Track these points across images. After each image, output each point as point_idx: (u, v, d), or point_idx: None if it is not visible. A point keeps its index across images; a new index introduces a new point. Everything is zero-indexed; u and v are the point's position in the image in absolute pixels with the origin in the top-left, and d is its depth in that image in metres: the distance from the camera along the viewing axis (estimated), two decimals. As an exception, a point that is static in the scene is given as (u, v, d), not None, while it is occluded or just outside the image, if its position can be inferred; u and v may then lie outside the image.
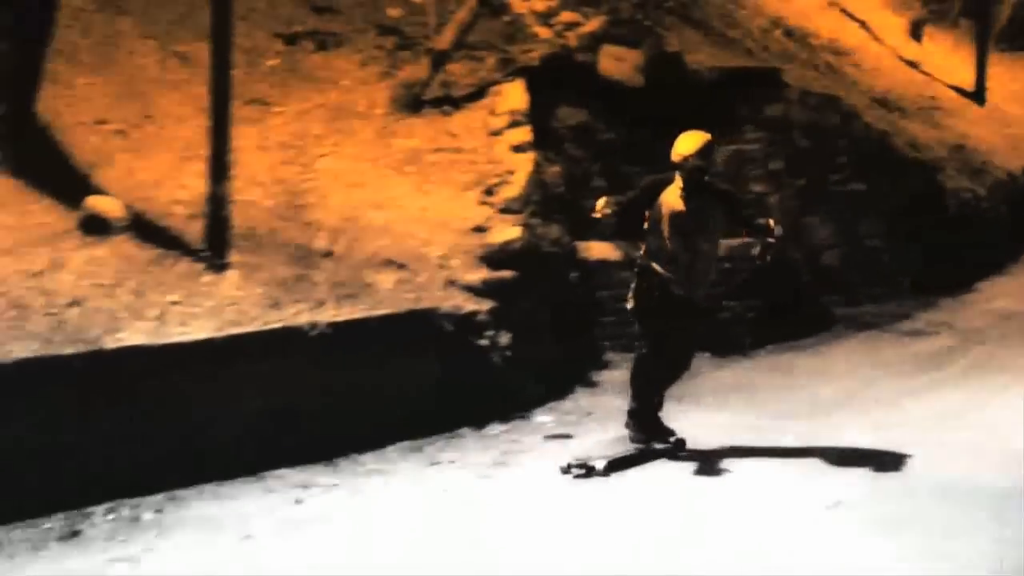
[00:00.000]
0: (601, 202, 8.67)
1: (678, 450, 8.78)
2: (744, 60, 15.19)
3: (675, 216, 8.52)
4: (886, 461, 8.50)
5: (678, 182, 8.54)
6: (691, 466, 8.51)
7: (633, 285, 8.80)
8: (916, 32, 21.05)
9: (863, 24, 20.09)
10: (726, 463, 8.53)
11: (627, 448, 8.76)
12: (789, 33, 17.90)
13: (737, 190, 9.41)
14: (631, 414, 8.85)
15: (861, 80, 17.85)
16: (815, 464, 8.51)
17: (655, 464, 8.51)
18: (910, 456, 8.59)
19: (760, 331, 12.62)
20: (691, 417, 9.63)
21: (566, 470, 8.30)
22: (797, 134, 14.53)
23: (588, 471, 8.28)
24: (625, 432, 8.88)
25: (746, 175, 13.83)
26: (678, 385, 9.12)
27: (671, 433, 8.85)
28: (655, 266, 8.61)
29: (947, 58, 21.09)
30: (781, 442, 9.04)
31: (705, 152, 8.47)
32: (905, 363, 12.02)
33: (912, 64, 19.95)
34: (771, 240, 8.73)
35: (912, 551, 6.77)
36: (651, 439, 8.78)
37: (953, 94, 19.78)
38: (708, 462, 8.56)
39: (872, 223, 15.03)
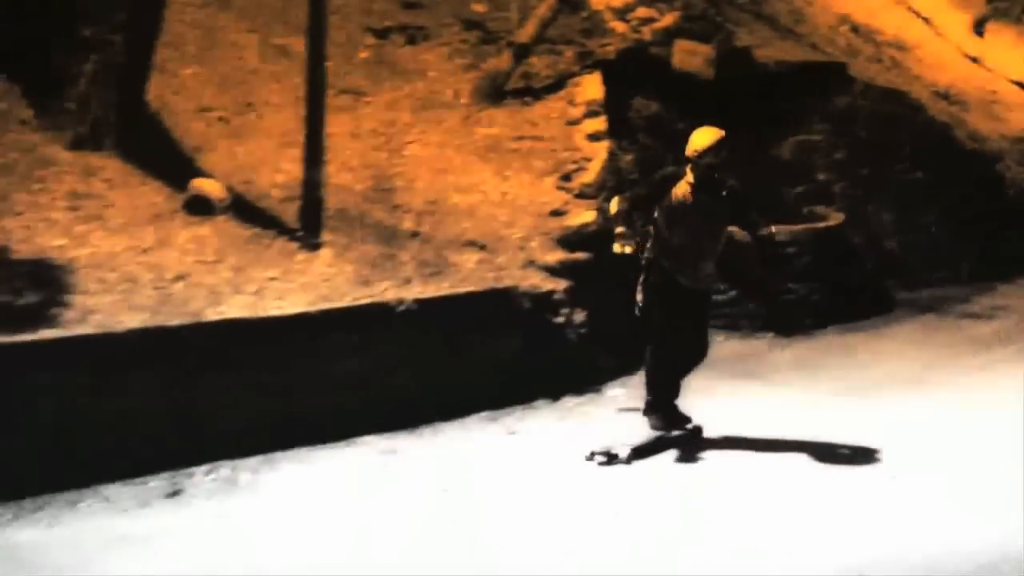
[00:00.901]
0: (614, 202, 8.49)
1: (695, 437, 8.51)
2: (812, 55, 15.03)
3: (684, 210, 8.18)
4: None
5: (688, 176, 8.22)
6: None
7: (641, 278, 8.44)
8: (979, 28, 20.67)
9: (927, 21, 19.77)
10: (735, 455, 8.22)
11: (648, 436, 8.42)
12: (855, 29, 17.66)
13: (745, 188, 8.73)
14: (649, 405, 8.53)
15: (924, 75, 17.58)
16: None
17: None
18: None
19: (823, 313, 12.51)
20: (753, 393, 9.61)
21: (590, 457, 8.04)
22: (861, 126, 14.37)
23: (611, 459, 8.03)
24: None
25: (812, 164, 13.77)
26: (743, 362, 9.06)
27: (687, 420, 8.57)
28: (662, 259, 8.27)
29: (1009, 54, 20.69)
30: (837, 420, 8.96)
31: (718, 149, 8.12)
32: (962, 345, 11.85)
33: (974, 59, 19.62)
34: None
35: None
36: (670, 428, 8.48)
37: (1014, 88, 19.40)
38: (719, 453, 8.26)
39: (933, 211, 14.81)
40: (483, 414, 9.23)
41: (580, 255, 10.63)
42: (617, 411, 9.51)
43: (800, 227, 12.69)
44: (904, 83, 16.31)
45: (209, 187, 9.61)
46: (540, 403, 9.59)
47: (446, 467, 7.98)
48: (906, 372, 10.71)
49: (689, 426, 8.53)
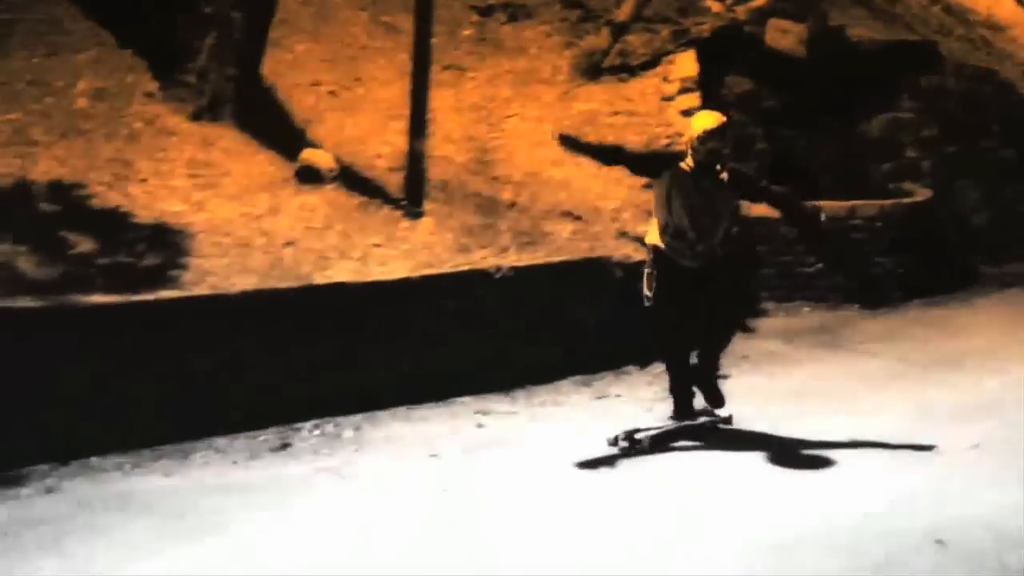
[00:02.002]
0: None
1: (725, 424, 7.91)
2: (903, 34, 14.68)
3: (684, 193, 7.45)
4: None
5: (689, 160, 7.51)
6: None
7: (646, 272, 7.72)
8: (1072, 8, 20.07)
9: (1020, 1, 19.23)
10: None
11: (672, 423, 7.84)
12: (948, 9, 17.21)
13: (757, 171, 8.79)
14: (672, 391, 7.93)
15: (1016, 54, 17.07)
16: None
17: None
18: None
19: (909, 286, 12.28)
20: (839, 360, 9.46)
21: (613, 442, 7.43)
22: (951, 104, 14.02)
23: (632, 444, 7.41)
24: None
25: (900, 142, 13.50)
26: (829, 333, 8.88)
27: (696, 414, 7.89)
28: (662, 247, 7.56)
29: (1100, 34, 20.07)
30: (920, 390, 8.78)
31: (722, 134, 7.41)
32: (1045, 319, 11.56)
33: (1066, 39, 19.05)
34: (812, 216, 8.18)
35: None
36: (680, 417, 7.85)
37: (1105, 68, 18.84)
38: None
39: (1020, 188, 14.43)
40: (575, 378, 9.19)
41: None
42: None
43: (888, 203, 12.46)
44: (994, 62, 15.85)
45: (318, 157, 9.67)
46: (630, 368, 9.52)
47: (537, 429, 7.96)
48: (990, 344, 10.45)
49: (721, 414, 7.91)
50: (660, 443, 7.49)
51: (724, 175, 7.51)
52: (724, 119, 7.49)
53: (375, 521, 6.10)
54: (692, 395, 7.90)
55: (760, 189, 8.21)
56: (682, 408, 7.88)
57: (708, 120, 7.46)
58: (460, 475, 6.92)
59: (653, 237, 7.64)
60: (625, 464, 7.04)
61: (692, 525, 5.77)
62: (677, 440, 7.61)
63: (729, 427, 7.87)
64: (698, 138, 7.37)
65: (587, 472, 6.89)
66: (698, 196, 7.46)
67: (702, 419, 7.87)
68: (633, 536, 5.53)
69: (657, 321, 7.72)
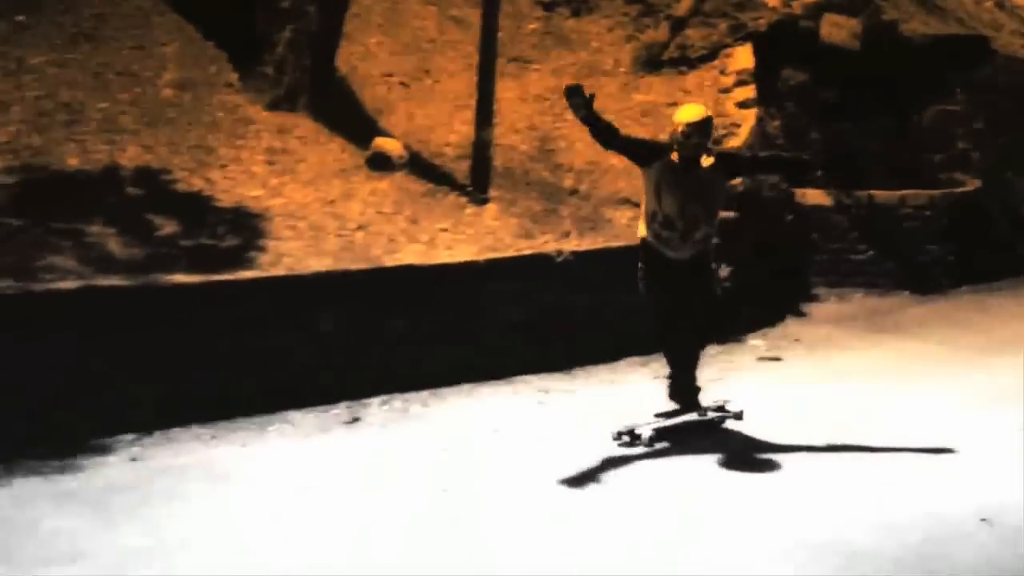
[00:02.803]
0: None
1: (737, 419, 7.38)
2: (955, 28, 14.42)
3: (673, 183, 6.92)
4: None
5: (675, 154, 6.96)
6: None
7: (640, 265, 7.25)
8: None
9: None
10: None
11: (672, 419, 7.32)
12: (1000, 5, 16.89)
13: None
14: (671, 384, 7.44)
15: (1066, 48, 16.75)
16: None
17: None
18: None
19: (957, 273, 12.09)
20: (889, 344, 9.33)
21: (616, 437, 7.02)
22: (1001, 96, 13.75)
23: (633, 439, 7.00)
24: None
25: (951, 133, 13.27)
26: (882, 318, 8.73)
27: (697, 406, 7.37)
28: (650, 239, 7.09)
29: None
30: (967, 374, 8.62)
31: (705, 128, 6.89)
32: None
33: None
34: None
35: None
36: (684, 410, 7.35)
37: None
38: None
39: (1068, 179, 14.15)
40: (633, 359, 9.13)
41: (727, 213, 10.35)
42: (757, 359, 9.33)
43: (938, 192, 12.28)
44: (1045, 56, 15.55)
45: (389, 145, 9.67)
46: (686, 350, 9.44)
47: (597, 407, 7.90)
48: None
49: (731, 411, 7.42)
50: (663, 438, 7.01)
51: (710, 161, 6.98)
52: (707, 113, 6.98)
53: (449, 488, 6.08)
54: (697, 386, 7.41)
55: (747, 160, 7.74)
56: (682, 400, 7.36)
57: (690, 114, 6.94)
58: (519, 450, 6.87)
59: (643, 230, 7.17)
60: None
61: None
62: (682, 435, 7.10)
63: (739, 422, 7.34)
64: (682, 132, 6.85)
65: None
66: (687, 186, 6.92)
67: (712, 414, 7.38)
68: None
69: (653, 314, 7.29)
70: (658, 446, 6.91)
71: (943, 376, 8.54)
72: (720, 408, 7.44)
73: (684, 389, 7.34)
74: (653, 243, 7.09)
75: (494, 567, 5.04)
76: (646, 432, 7.00)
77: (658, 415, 7.25)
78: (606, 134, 6.93)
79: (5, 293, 6.84)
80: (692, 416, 7.31)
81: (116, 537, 5.26)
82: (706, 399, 7.42)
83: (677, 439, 7.01)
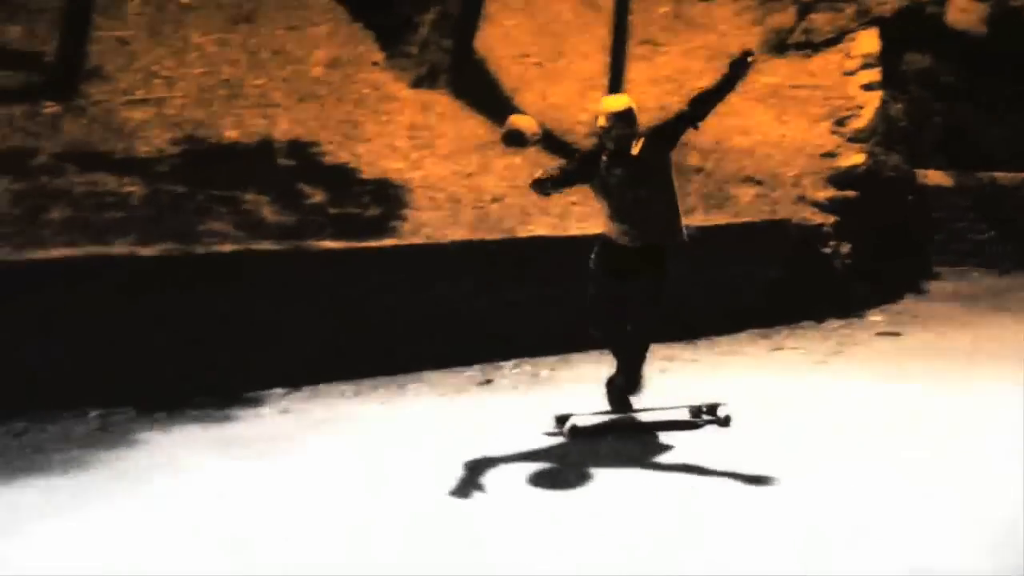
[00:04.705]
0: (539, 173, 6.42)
1: (723, 426, 6.45)
2: (1082, 13, 13.84)
3: (613, 181, 6.22)
4: None
5: (606, 151, 6.24)
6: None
7: (593, 255, 6.47)
8: None
9: None
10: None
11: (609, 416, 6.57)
12: None
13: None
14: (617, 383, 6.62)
15: None
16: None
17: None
18: None
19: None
20: (1007, 323, 9.02)
21: (558, 428, 6.36)
22: None
23: (559, 426, 6.35)
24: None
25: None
26: (1001, 297, 8.37)
27: (697, 411, 6.57)
28: (609, 234, 6.36)
29: None
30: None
31: (626, 118, 6.12)
32: None
33: None
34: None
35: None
36: (619, 408, 6.57)
37: None
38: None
39: None
40: (754, 331, 9.01)
41: (849, 193, 10.24)
42: (876, 334, 9.11)
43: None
44: None
45: (524, 122, 9.48)
46: (805, 324, 9.29)
47: (718, 377, 7.81)
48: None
49: (720, 414, 6.52)
50: (580, 435, 6.30)
51: (640, 144, 6.17)
52: (627, 103, 6.22)
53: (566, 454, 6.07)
54: (636, 385, 6.56)
55: (675, 121, 6.39)
56: (617, 397, 6.55)
57: (609, 104, 6.25)
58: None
59: (602, 226, 6.49)
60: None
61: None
62: (604, 434, 6.37)
63: (726, 428, 6.44)
64: (603, 127, 6.16)
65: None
66: (626, 179, 6.19)
67: (701, 417, 6.55)
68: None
69: (590, 302, 6.51)
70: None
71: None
72: (708, 411, 6.55)
73: (620, 386, 6.53)
74: (610, 235, 6.36)
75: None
76: (567, 426, 6.30)
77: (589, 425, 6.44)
78: (562, 186, 6.38)
79: (171, 255, 7.03)
80: (673, 414, 6.52)
81: (271, 480, 5.37)
82: (710, 398, 6.67)
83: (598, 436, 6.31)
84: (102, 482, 5.35)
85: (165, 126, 8.55)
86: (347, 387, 7.25)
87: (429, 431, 6.37)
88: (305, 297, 7.34)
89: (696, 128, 6.41)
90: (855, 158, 10.51)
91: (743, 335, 8.93)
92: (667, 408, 6.56)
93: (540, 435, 6.27)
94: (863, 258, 9.99)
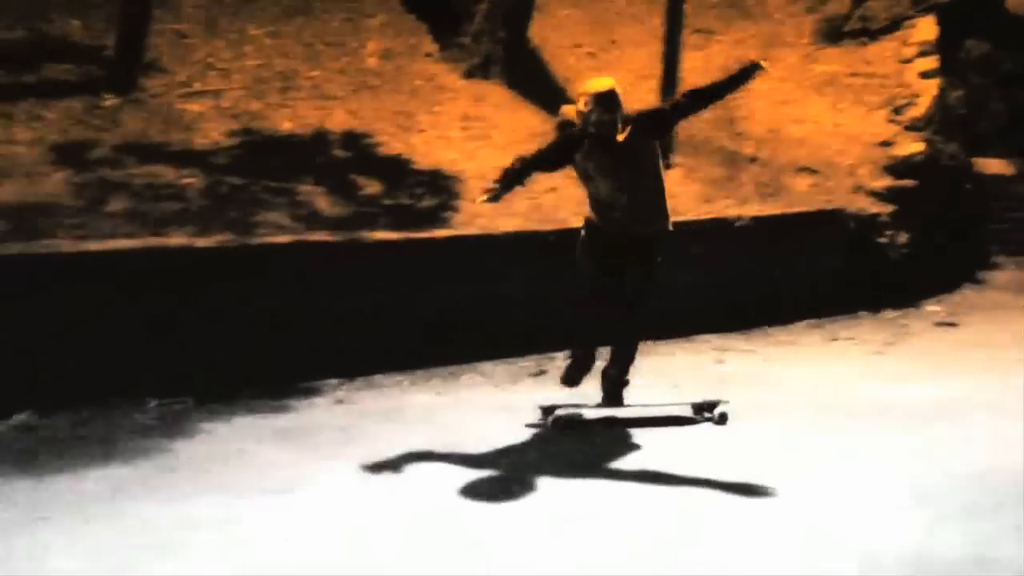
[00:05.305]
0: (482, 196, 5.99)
1: (719, 423, 6.19)
2: None
3: (597, 168, 5.96)
4: None
5: (590, 136, 5.91)
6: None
7: (579, 244, 6.25)
8: None
9: None
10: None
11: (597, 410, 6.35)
12: None
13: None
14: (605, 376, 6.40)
15: None
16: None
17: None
18: None
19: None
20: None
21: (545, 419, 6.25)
22: None
23: (544, 417, 6.25)
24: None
25: None
26: None
27: (701, 408, 6.30)
28: (593, 220, 6.14)
29: None
30: None
31: (606, 101, 5.80)
32: None
33: None
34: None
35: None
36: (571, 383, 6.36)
37: None
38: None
39: None
40: (808, 321, 8.89)
41: (906, 182, 10.07)
42: (933, 324, 8.96)
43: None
44: None
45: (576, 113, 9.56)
46: (861, 314, 9.17)
47: (773, 367, 7.71)
48: None
49: (717, 412, 6.25)
50: (564, 426, 6.13)
51: (627, 130, 5.89)
52: (610, 85, 5.87)
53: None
54: (587, 369, 6.36)
55: (670, 112, 6.22)
56: (571, 375, 6.35)
57: (591, 86, 5.94)
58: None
59: (589, 212, 6.23)
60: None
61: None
62: (589, 427, 6.20)
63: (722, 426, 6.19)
64: (583, 113, 5.86)
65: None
66: (612, 166, 5.93)
67: (700, 415, 6.30)
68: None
69: (586, 292, 6.24)
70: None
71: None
72: (708, 407, 6.30)
73: (613, 378, 6.32)
74: (596, 221, 6.13)
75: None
76: (551, 416, 6.17)
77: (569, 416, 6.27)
78: (523, 175, 5.93)
79: (227, 246, 7.04)
80: (666, 411, 6.32)
81: (325, 471, 5.36)
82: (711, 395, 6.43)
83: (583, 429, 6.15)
84: (163, 472, 5.36)
85: (222, 118, 8.57)
86: (402, 377, 7.22)
87: (482, 421, 6.32)
88: (359, 288, 7.32)
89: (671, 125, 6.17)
90: (912, 147, 10.33)
91: (798, 325, 8.82)
92: (663, 405, 6.35)
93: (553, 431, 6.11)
94: (920, 247, 9.81)
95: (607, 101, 5.80)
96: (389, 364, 7.30)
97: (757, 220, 8.93)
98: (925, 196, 10.00)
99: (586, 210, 6.24)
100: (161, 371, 6.59)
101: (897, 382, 7.10)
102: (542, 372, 7.47)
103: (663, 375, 7.28)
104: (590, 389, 6.38)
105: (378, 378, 7.17)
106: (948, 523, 4.59)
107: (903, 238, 9.73)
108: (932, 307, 9.52)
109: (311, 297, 7.13)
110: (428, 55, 10.01)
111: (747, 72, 6.11)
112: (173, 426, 6.12)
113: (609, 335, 6.33)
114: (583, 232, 6.22)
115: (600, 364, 6.38)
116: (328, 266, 7.27)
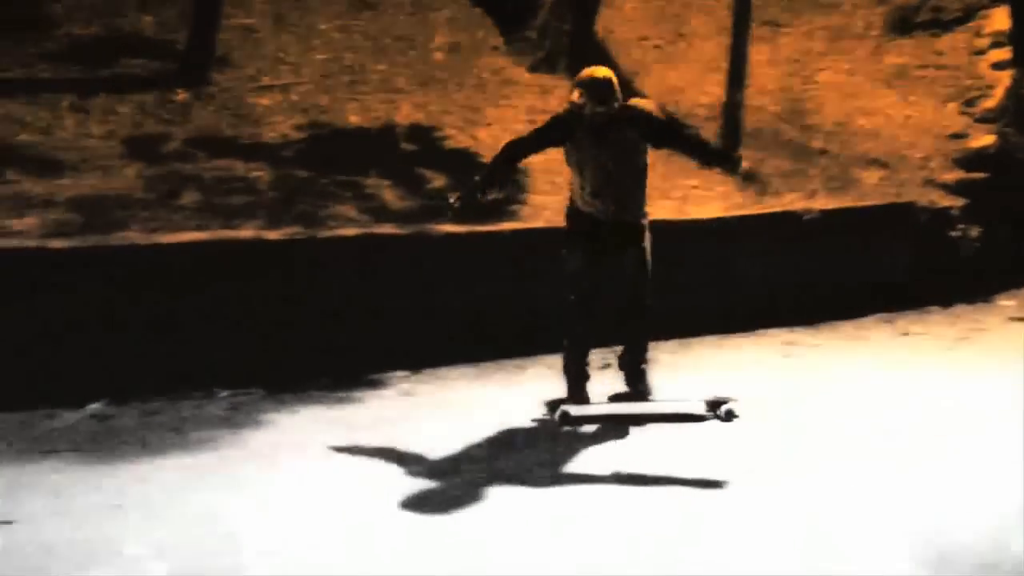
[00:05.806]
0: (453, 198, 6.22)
1: (727, 420, 6.01)
2: None
3: (587, 156, 5.95)
4: None
5: (582, 123, 5.92)
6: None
7: (565, 228, 6.28)
8: None
9: None
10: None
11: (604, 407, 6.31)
12: None
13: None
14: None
15: None
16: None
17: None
18: None
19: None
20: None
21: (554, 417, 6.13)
22: None
23: (551, 413, 6.20)
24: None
25: None
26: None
27: (709, 405, 6.11)
28: (579, 206, 6.13)
29: None
30: None
31: (600, 95, 5.83)
32: None
33: None
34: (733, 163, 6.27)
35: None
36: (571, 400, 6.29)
37: None
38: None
39: None
40: (879, 315, 8.75)
41: (978, 175, 9.86)
42: (1007, 320, 8.77)
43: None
44: None
45: (644, 106, 9.47)
46: (932, 309, 8.99)
47: (842, 361, 7.58)
48: None
49: (724, 409, 6.04)
50: (571, 424, 6.02)
51: (623, 124, 5.94)
52: (604, 73, 5.91)
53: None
54: (586, 376, 6.40)
55: (667, 132, 6.27)
56: (575, 392, 6.33)
57: (585, 73, 5.94)
58: (758, 392, 6.59)
59: (572, 198, 6.25)
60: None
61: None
62: (596, 423, 6.11)
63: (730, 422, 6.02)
64: (575, 102, 5.86)
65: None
66: (603, 155, 5.92)
67: (707, 412, 6.10)
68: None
69: (567, 283, 6.24)
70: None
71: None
72: (716, 405, 6.11)
73: (634, 363, 6.33)
74: (580, 206, 6.12)
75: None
76: (557, 414, 6.06)
77: (612, 398, 6.34)
78: (510, 163, 6.18)
79: (296, 238, 7.08)
80: (676, 407, 6.15)
81: (394, 463, 5.36)
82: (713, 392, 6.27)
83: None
84: (236, 462, 5.39)
85: (290, 112, 8.62)
86: (468, 369, 7.20)
87: (543, 413, 6.29)
88: (426, 280, 7.32)
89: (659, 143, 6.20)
90: (985, 139, 10.13)
91: (868, 319, 8.67)
92: (673, 401, 6.23)
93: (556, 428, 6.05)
94: (993, 241, 9.61)
95: (600, 93, 5.82)
96: (456, 356, 7.28)
97: (825, 213, 8.80)
98: (998, 189, 9.80)
99: (568, 196, 6.26)
100: (231, 362, 6.64)
101: (967, 379, 6.96)
102: (607, 365, 7.40)
103: (724, 370, 7.20)
104: (599, 387, 6.40)
105: (445, 371, 7.15)
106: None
107: (975, 232, 9.54)
108: (1005, 302, 9.32)
109: (378, 290, 7.14)
110: (494, 49, 9.98)
111: (731, 161, 6.37)
112: (243, 417, 6.17)
113: (614, 336, 6.43)
114: (567, 220, 6.22)
115: (599, 365, 6.51)
116: (395, 259, 7.28)
